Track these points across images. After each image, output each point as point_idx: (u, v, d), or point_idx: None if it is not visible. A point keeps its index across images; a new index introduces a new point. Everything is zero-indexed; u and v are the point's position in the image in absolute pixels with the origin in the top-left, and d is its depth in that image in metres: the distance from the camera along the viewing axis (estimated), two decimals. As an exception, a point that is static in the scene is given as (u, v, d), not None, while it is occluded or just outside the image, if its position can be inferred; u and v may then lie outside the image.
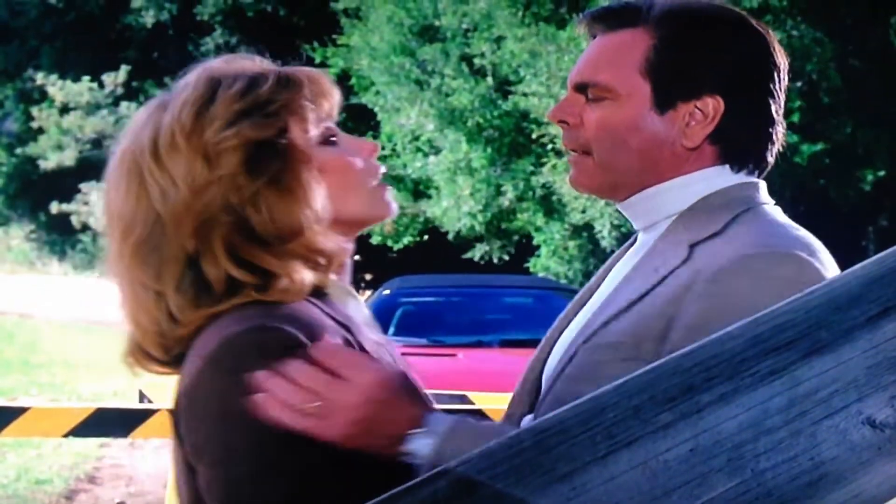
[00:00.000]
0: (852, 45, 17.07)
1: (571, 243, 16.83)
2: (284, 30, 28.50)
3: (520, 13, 16.14)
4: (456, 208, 17.07)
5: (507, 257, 18.68)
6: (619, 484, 1.01)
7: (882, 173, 18.42)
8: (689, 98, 1.68)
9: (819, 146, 16.43)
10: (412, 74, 17.73)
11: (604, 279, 1.81)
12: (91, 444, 9.12)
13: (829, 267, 1.60)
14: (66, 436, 4.66)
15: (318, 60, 22.59)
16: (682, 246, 1.64)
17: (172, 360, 1.61)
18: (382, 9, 18.83)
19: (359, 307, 1.71)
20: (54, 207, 28.92)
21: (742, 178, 1.72)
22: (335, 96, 1.69)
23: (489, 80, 16.82)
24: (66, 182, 28.97)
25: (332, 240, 1.61)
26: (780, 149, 1.76)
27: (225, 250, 1.56)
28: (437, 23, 18.24)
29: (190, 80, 1.64)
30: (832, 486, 1.03)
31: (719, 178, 1.70)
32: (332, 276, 1.65)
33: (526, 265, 18.33)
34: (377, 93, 18.45)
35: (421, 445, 1.48)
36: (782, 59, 1.73)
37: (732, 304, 1.50)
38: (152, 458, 8.97)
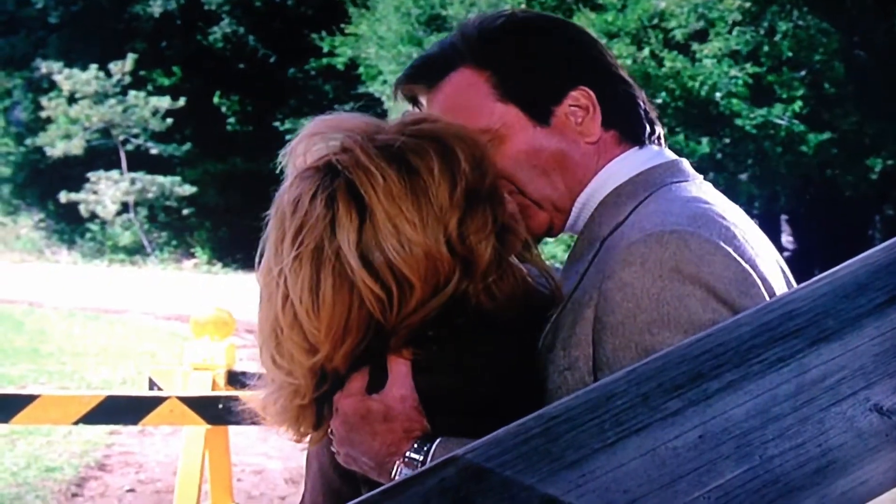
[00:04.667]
0: (858, 36, 17.01)
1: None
2: (292, 19, 28.49)
3: (524, 3, 16.11)
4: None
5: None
6: (627, 471, 1.02)
7: (890, 162, 18.37)
8: (558, 100, 1.68)
9: (826, 135, 16.41)
10: (420, 63, 17.74)
11: None
12: (100, 431, 9.15)
13: (731, 235, 1.54)
14: (75, 423, 4.68)
15: (326, 49, 22.61)
16: (596, 243, 1.63)
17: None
18: (390, -2, 18.80)
19: None
20: (63, 196, 28.93)
21: (653, 159, 1.70)
22: None
23: (496, 68, 16.82)
24: (75, 171, 29.00)
25: None
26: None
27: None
28: (444, 12, 18.23)
29: (428, 158, 1.53)
30: (839, 473, 1.03)
31: (630, 162, 1.69)
32: None
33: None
34: (384, 82, 18.46)
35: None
36: (595, 36, 1.76)
37: (631, 295, 1.49)
38: (162, 445, 8.99)
